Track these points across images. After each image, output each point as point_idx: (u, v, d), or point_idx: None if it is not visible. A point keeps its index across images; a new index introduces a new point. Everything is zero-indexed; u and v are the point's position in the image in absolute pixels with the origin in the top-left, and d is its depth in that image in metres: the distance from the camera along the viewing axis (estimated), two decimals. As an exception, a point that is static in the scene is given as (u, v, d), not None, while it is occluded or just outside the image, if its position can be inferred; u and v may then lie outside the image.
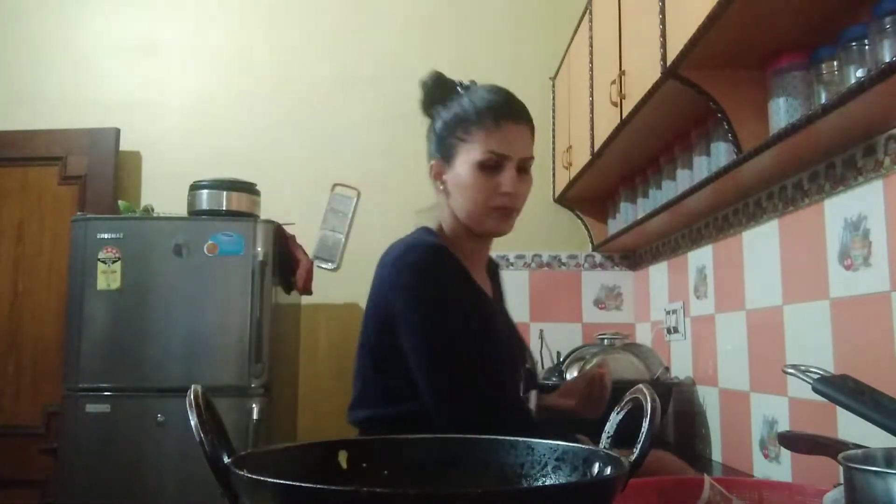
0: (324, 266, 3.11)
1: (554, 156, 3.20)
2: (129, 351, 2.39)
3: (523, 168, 1.32)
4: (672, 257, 2.66)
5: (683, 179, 2.12)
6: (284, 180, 3.14)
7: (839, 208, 1.56)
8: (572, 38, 2.84)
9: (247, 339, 2.40)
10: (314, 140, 3.26)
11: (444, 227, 1.39)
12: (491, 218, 1.32)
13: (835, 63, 1.42)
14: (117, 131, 3.15)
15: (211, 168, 2.91)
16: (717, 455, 2.22)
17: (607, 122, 2.27)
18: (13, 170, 3.10)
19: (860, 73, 1.30)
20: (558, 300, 3.17)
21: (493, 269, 1.55)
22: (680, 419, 2.52)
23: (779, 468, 1.82)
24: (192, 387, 0.62)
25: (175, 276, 2.42)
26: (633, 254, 3.18)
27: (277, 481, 0.51)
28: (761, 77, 1.64)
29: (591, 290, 3.21)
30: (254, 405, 2.35)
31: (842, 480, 0.73)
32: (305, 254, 2.78)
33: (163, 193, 3.04)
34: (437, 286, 1.26)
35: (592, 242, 3.18)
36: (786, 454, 1.79)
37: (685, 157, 2.12)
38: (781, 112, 1.54)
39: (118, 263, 2.41)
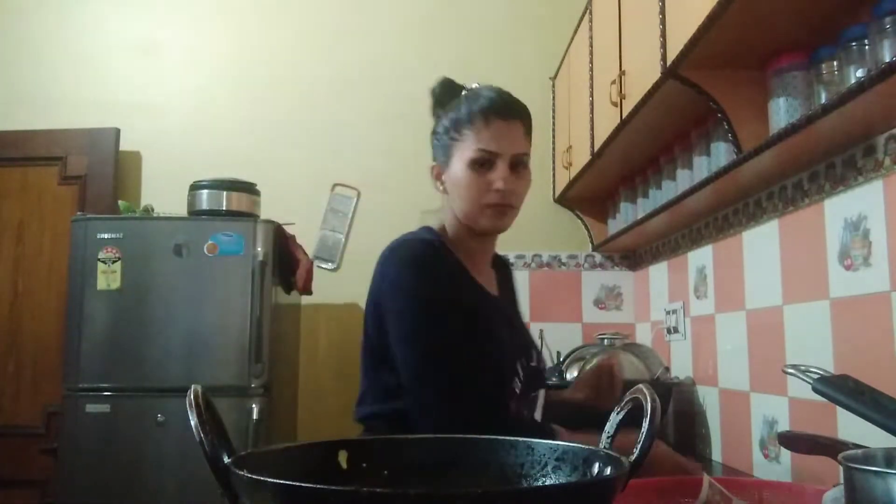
0: (324, 266, 3.11)
1: (554, 156, 3.20)
2: (129, 351, 2.39)
3: (519, 164, 1.34)
4: (672, 257, 2.66)
5: (683, 179, 2.12)
6: (284, 180, 3.13)
7: (839, 208, 1.56)
8: (572, 38, 2.84)
9: (247, 339, 2.40)
10: (314, 140, 3.26)
11: (446, 227, 1.42)
12: (485, 215, 1.34)
13: (835, 63, 1.42)
14: (117, 131, 3.15)
15: (211, 168, 2.90)
16: (717, 455, 2.22)
17: (607, 122, 2.27)
18: (13, 170, 3.10)
19: (860, 73, 1.30)
20: (558, 300, 3.18)
21: (502, 267, 1.57)
22: (680, 419, 2.51)
23: (779, 468, 1.82)
24: (192, 387, 0.62)
25: (175, 276, 2.42)
26: (633, 254, 3.18)
27: (277, 481, 0.51)
28: (761, 77, 1.64)
29: (591, 290, 3.21)
30: (254, 405, 2.35)
31: (842, 480, 0.73)
32: (305, 254, 2.78)
33: (163, 193, 3.04)
34: (421, 279, 1.29)
35: (592, 242, 3.18)
36: (786, 454, 1.79)
37: (685, 157, 2.12)
38: (781, 112, 1.54)
39: (118, 263, 2.41)
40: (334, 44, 3.32)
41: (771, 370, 1.86)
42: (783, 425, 1.79)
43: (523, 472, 0.68)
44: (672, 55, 1.69)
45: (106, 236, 2.42)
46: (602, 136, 2.36)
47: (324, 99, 3.28)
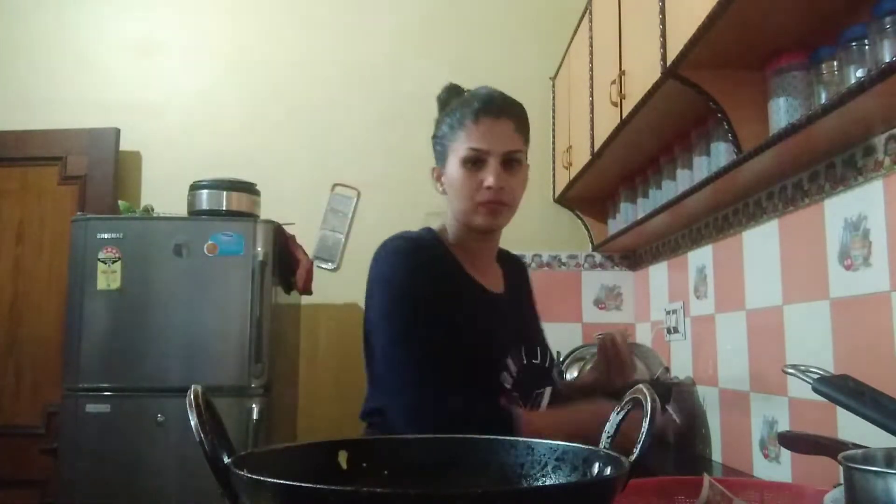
0: (324, 266, 3.11)
1: (554, 156, 3.20)
2: (128, 351, 2.39)
3: (512, 161, 1.35)
4: (672, 257, 2.66)
5: (683, 179, 2.12)
6: (284, 180, 3.14)
7: (839, 208, 1.56)
8: (572, 38, 2.84)
9: (247, 339, 2.40)
10: (314, 140, 3.26)
11: (447, 227, 1.44)
12: (479, 213, 1.36)
13: (835, 63, 1.42)
14: (117, 131, 3.15)
15: (211, 168, 2.91)
16: (717, 455, 2.22)
17: (607, 122, 2.27)
18: (13, 170, 3.10)
19: (860, 73, 1.30)
20: (558, 300, 3.17)
21: (514, 267, 1.58)
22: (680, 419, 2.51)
23: (779, 468, 1.82)
24: (192, 387, 0.62)
25: (175, 276, 2.42)
26: (633, 254, 3.18)
27: (277, 481, 0.51)
28: (761, 77, 1.64)
29: (591, 290, 3.21)
30: (254, 405, 2.35)
31: (842, 480, 0.73)
32: (305, 254, 2.78)
33: (163, 193, 3.04)
34: (398, 268, 1.33)
35: (592, 242, 3.18)
36: (786, 454, 1.79)
37: (685, 157, 2.12)
38: (781, 112, 1.54)
39: (118, 263, 2.41)
40: (334, 44, 3.32)
41: (771, 370, 1.86)
42: (783, 425, 1.79)
43: (523, 472, 0.68)
44: (672, 55, 1.69)
45: (106, 236, 2.43)
46: (602, 136, 2.36)
47: (324, 99, 3.29)
